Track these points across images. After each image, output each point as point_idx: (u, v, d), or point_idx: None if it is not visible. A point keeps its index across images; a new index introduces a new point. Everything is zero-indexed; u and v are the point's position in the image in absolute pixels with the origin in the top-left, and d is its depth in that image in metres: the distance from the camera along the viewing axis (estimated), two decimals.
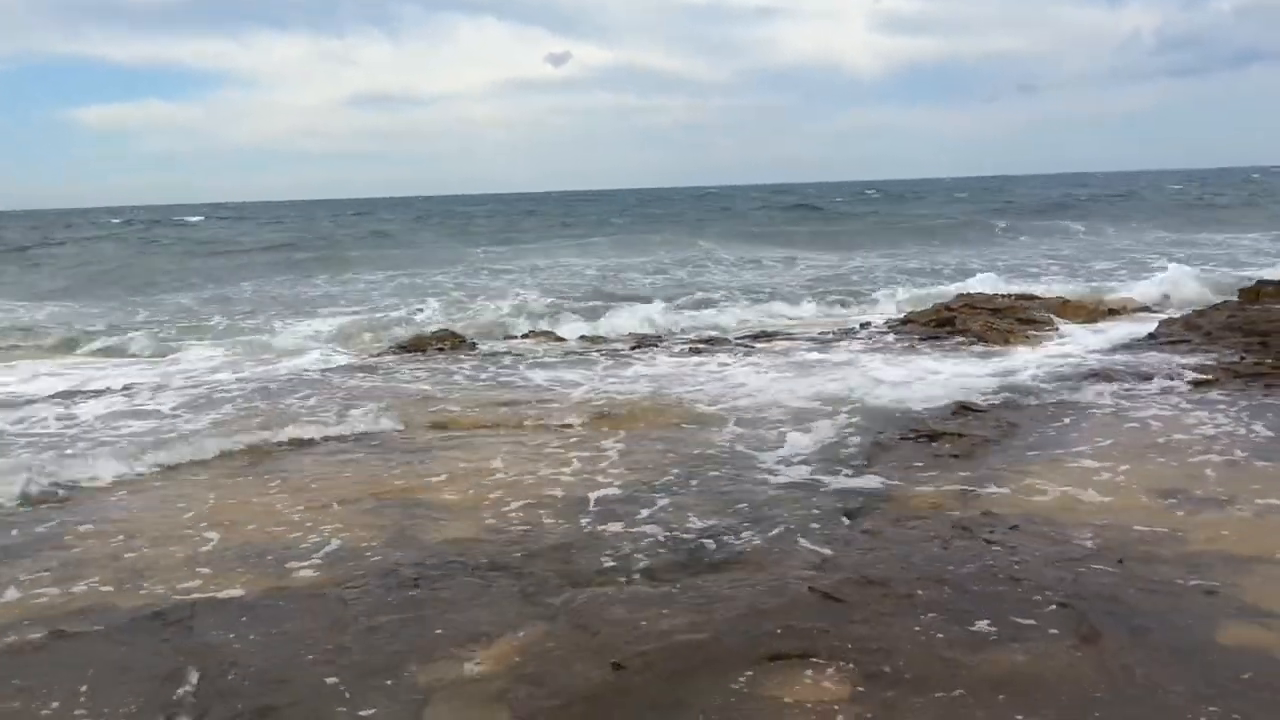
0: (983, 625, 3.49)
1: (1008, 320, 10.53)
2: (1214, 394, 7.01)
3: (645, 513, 4.90)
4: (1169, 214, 35.00)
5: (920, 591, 3.81)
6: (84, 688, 3.27)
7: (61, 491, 5.51)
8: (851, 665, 3.24)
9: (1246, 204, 39.85)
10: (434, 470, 5.82)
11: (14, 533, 4.89)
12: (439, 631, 3.62)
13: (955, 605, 3.68)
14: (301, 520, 4.95)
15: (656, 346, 10.41)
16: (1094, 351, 9.14)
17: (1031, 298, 12.44)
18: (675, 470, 5.64)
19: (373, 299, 17.06)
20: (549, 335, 11.79)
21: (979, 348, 9.57)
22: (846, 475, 5.45)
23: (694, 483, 5.40)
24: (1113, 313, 12.17)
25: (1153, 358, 8.41)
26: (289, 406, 7.68)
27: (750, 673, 3.22)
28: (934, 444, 6.00)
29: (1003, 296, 12.30)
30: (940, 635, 3.43)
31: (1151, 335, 9.60)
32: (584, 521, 4.82)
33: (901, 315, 11.88)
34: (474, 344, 10.89)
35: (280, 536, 4.72)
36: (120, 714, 3.11)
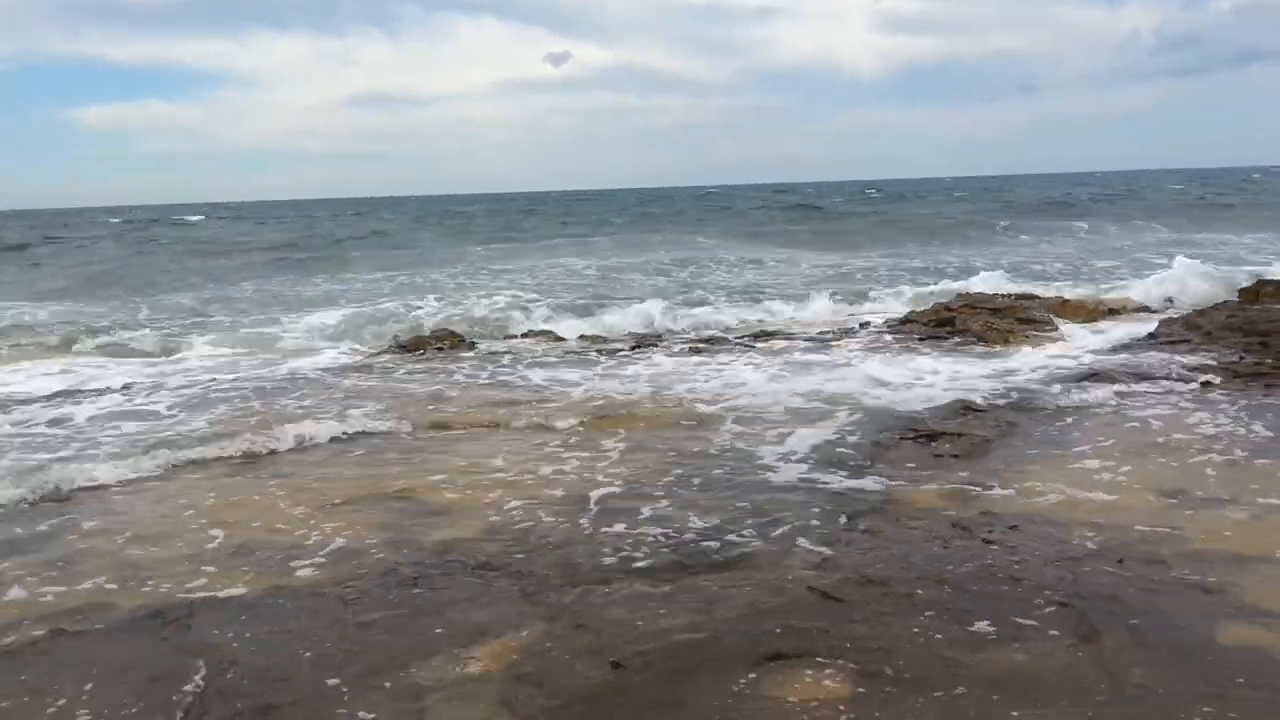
0: (983, 625, 3.50)
1: (1008, 320, 10.53)
2: (1214, 394, 7.02)
3: (645, 512, 4.90)
4: (1170, 213, 34.97)
5: (920, 591, 3.82)
6: (85, 686, 3.28)
7: (63, 491, 5.51)
8: (851, 665, 3.24)
9: (1247, 204, 39.83)
10: (433, 470, 5.82)
11: (14, 532, 4.89)
12: (439, 631, 3.62)
13: (955, 605, 3.68)
14: (302, 520, 4.95)
15: (656, 346, 10.41)
16: (1094, 351, 9.16)
17: (1031, 297, 12.45)
18: (675, 470, 5.64)
19: (372, 298, 17.04)
20: (548, 335, 11.78)
21: (979, 347, 9.57)
22: (846, 475, 5.45)
23: (694, 482, 5.40)
24: (1113, 312, 12.18)
25: (1153, 358, 8.41)
26: (289, 406, 7.69)
27: (750, 672, 3.22)
28: (934, 444, 6.00)
29: (1003, 296, 12.31)
30: (940, 635, 3.43)
31: (1151, 335, 9.61)
32: (583, 521, 4.82)
33: (902, 315, 11.87)
34: (473, 343, 10.89)
35: (280, 536, 4.73)
36: (121, 712, 3.12)
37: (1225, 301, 11.11)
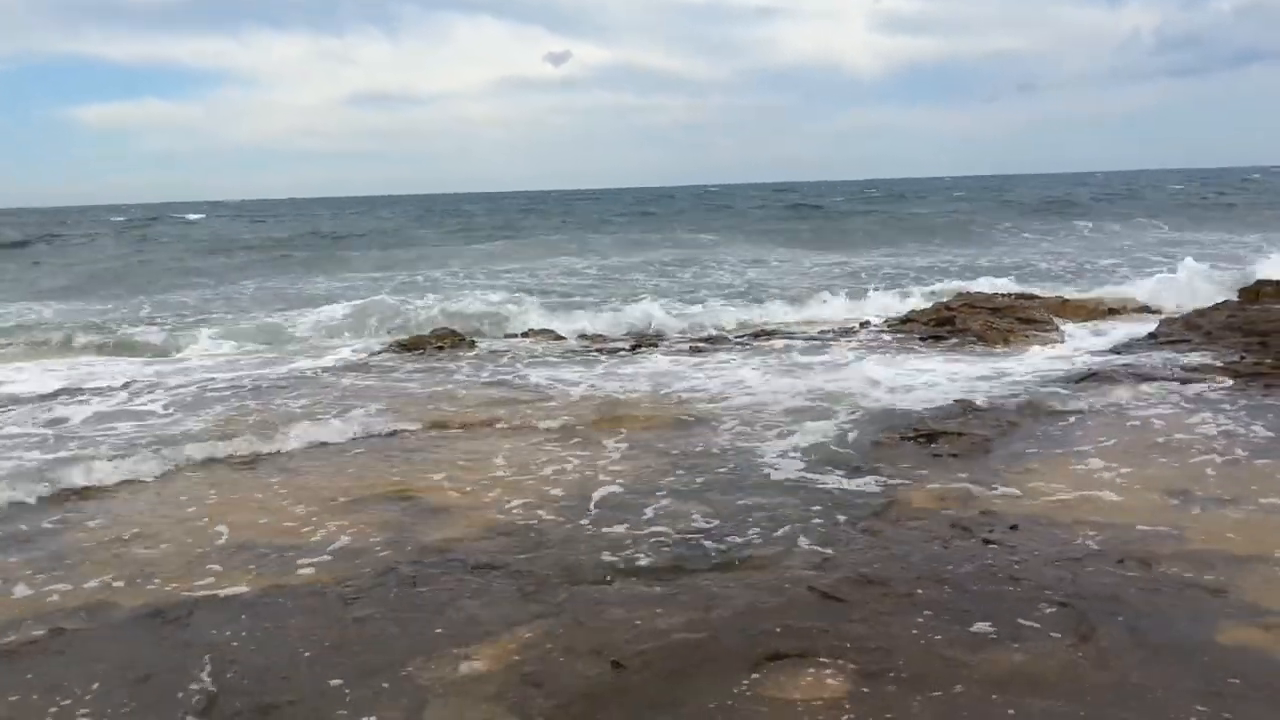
0: (982, 625, 3.50)
1: (1007, 320, 10.53)
2: (1214, 394, 7.02)
3: (645, 512, 4.90)
4: (1170, 213, 34.95)
5: (920, 591, 3.82)
6: (86, 685, 3.28)
7: (64, 490, 5.52)
8: (851, 665, 3.24)
9: (1248, 204, 39.82)
10: (433, 469, 5.82)
11: (16, 530, 4.90)
12: (439, 630, 3.63)
13: (955, 605, 3.68)
14: (302, 519, 4.96)
15: (656, 345, 10.41)
16: (1094, 351, 9.16)
17: (1031, 297, 12.45)
18: (675, 469, 5.65)
19: (372, 297, 17.04)
20: (549, 334, 11.79)
21: (979, 347, 9.58)
22: (846, 475, 5.45)
23: (693, 482, 5.40)
24: (1113, 312, 12.18)
25: (1153, 357, 8.41)
26: (289, 405, 7.69)
27: (750, 672, 3.22)
28: (934, 444, 6.00)
29: (1003, 296, 12.31)
30: (940, 635, 3.43)
31: (1152, 335, 9.60)
32: (583, 520, 4.82)
33: (902, 315, 11.87)
34: (473, 342, 10.88)
35: (281, 535, 4.73)
36: (122, 711, 3.12)
37: (1225, 301, 11.10)
